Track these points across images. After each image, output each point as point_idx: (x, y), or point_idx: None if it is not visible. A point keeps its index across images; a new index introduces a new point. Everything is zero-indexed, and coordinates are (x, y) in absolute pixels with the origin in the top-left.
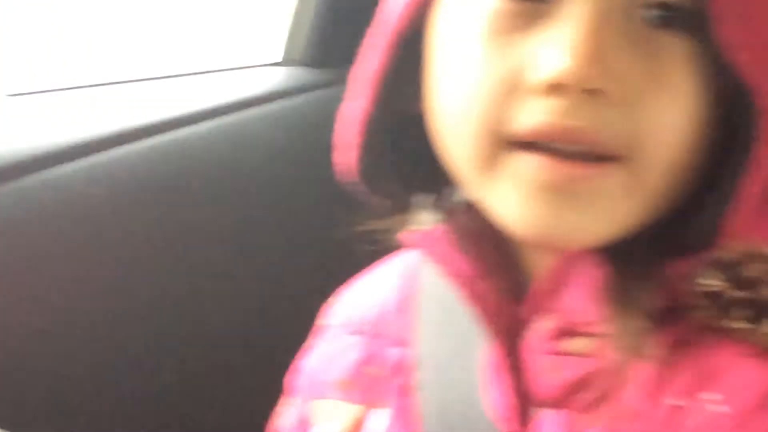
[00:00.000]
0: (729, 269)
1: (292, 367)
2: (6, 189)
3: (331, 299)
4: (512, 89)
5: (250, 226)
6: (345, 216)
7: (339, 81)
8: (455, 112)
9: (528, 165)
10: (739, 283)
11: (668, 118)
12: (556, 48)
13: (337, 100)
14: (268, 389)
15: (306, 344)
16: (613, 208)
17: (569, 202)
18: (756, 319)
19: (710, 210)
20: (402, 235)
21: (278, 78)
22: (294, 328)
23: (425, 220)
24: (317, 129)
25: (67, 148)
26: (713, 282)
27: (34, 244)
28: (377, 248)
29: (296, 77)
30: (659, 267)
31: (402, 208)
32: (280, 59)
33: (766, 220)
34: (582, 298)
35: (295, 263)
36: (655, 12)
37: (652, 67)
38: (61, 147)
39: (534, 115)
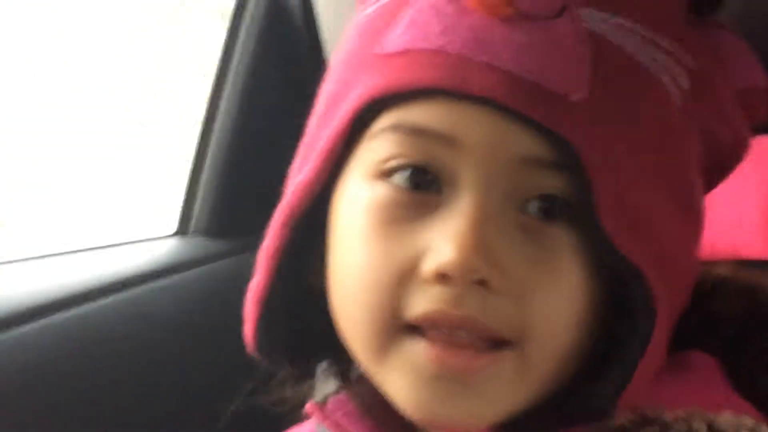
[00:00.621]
0: None
1: None
2: None
3: None
4: (405, 278)
5: (156, 399)
6: (251, 386)
7: (237, 251)
8: (349, 296)
9: (419, 352)
10: None
11: (556, 306)
12: (443, 239)
13: (234, 270)
14: None
15: None
16: (503, 394)
17: (458, 390)
18: None
19: (607, 380)
20: (307, 405)
21: (177, 249)
22: None
23: (328, 389)
24: (216, 299)
25: None
26: None
27: None
28: (286, 417)
29: (194, 248)
30: None
31: (304, 377)
32: (174, 230)
33: (659, 385)
34: None
35: None
36: (540, 204)
37: (539, 256)
38: None
39: (424, 303)
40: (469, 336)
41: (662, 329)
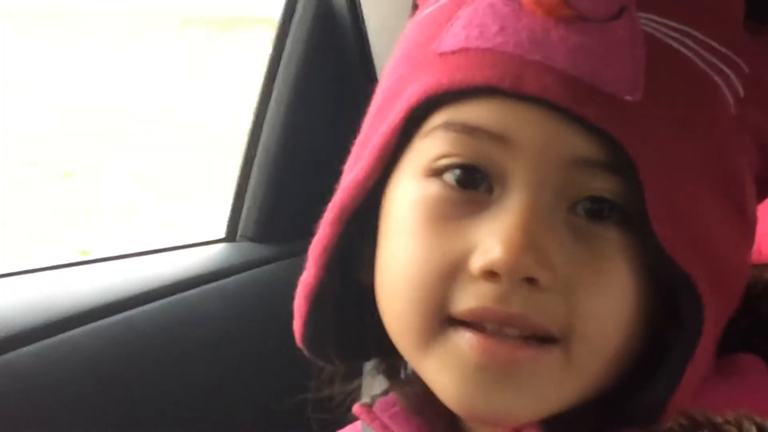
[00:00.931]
0: None
1: None
2: None
3: None
4: (452, 273)
5: (204, 402)
6: (298, 387)
7: (283, 256)
8: (396, 289)
9: (464, 344)
10: None
11: (603, 306)
12: (492, 237)
13: (280, 275)
14: None
15: None
16: (547, 389)
17: (502, 384)
18: None
19: (654, 385)
20: (354, 406)
21: (225, 254)
22: None
23: (375, 390)
24: (263, 304)
25: (15, 333)
26: None
27: None
28: (334, 419)
29: (242, 253)
30: None
31: (353, 375)
32: (222, 236)
33: (708, 389)
34: None
35: None
36: (590, 206)
37: (587, 256)
38: (11, 332)
39: (471, 298)
40: (515, 332)
41: (711, 334)
